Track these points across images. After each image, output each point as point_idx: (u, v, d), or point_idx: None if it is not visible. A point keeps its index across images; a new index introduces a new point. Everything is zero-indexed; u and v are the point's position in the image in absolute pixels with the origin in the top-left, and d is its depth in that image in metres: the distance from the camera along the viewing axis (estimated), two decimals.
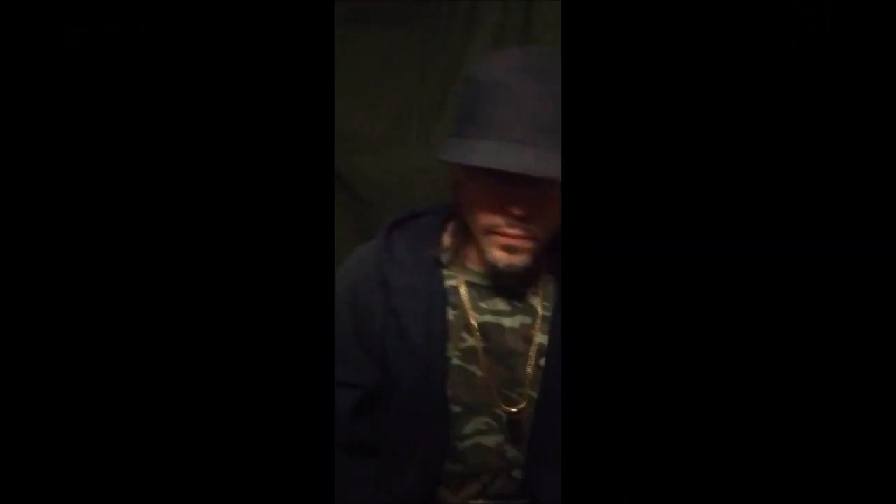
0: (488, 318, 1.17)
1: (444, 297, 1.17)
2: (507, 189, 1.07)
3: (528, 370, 1.15)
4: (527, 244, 1.11)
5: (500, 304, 1.17)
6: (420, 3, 2.04)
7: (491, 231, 1.11)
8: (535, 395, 1.15)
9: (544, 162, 1.03)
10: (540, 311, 1.17)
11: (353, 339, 1.17)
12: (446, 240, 1.19)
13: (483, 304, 1.17)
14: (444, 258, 1.18)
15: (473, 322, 1.16)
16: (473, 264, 1.17)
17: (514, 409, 1.15)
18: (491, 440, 1.16)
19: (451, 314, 1.16)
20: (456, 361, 1.16)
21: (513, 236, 1.10)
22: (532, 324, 1.16)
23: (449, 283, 1.18)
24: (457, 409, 1.16)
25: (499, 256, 1.11)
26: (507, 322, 1.17)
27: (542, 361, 1.16)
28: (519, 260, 1.11)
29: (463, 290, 1.17)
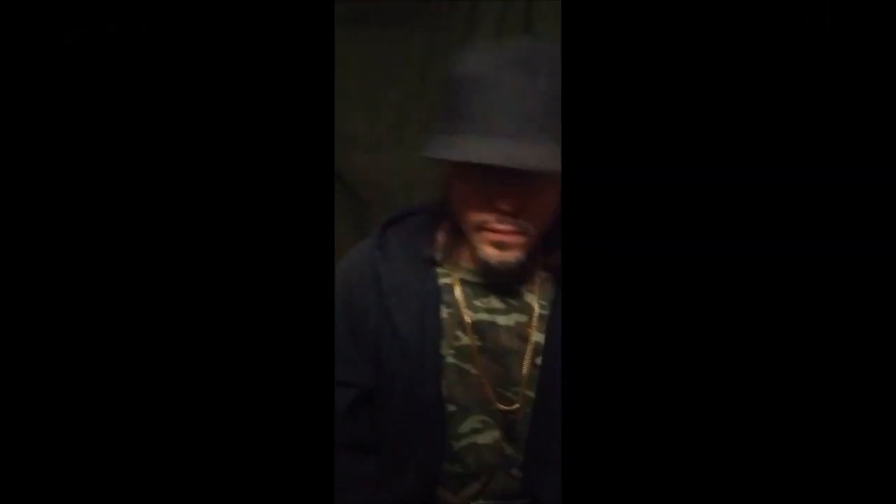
0: (483, 316, 1.16)
1: (438, 296, 1.16)
2: (494, 184, 1.06)
3: (525, 369, 1.14)
4: (518, 239, 1.09)
5: (495, 302, 1.16)
6: (420, 3, 2.04)
7: (481, 228, 1.10)
8: (531, 394, 1.14)
9: (530, 154, 1.02)
10: (536, 309, 1.16)
11: (349, 338, 1.17)
12: (440, 238, 1.18)
13: (477, 302, 1.16)
14: (438, 256, 1.17)
15: (468, 320, 1.15)
16: (467, 262, 1.17)
17: (509, 408, 1.14)
18: (487, 439, 1.15)
19: (445, 312, 1.16)
20: (450, 360, 1.15)
21: (503, 232, 1.09)
22: (528, 322, 1.16)
23: (443, 281, 1.17)
24: (452, 408, 1.15)
25: (490, 253, 1.10)
26: (502, 320, 1.16)
27: (539, 360, 1.15)
28: (511, 256, 1.10)
29: (457, 289, 1.17)
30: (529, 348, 1.15)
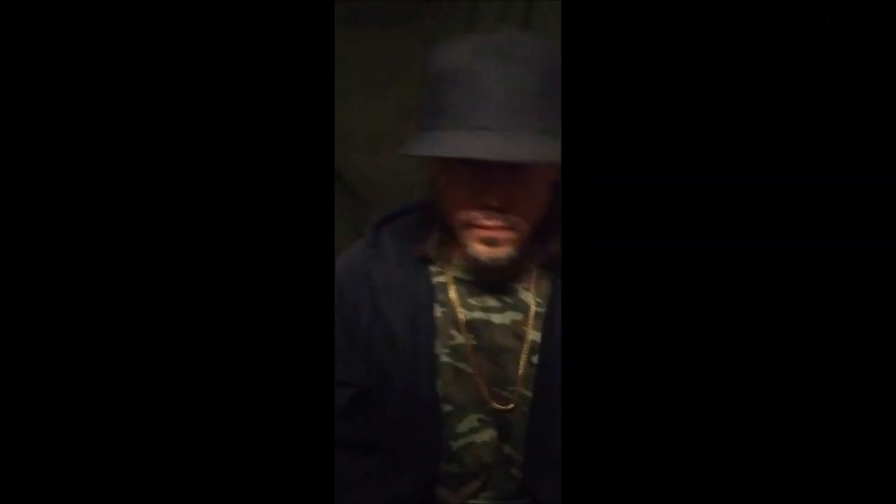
0: (478, 314, 1.15)
1: (432, 295, 1.15)
2: (479, 179, 1.04)
3: (521, 368, 1.13)
4: (508, 235, 1.07)
5: (490, 301, 1.15)
6: (420, 3, 2.04)
7: (470, 225, 1.08)
8: (528, 393, 1.13)
9: (514, 147, 1.00)
10: (532, 306, 1.14)
11: (343, 337, 1.16)
12: (434, 236, 1.16)
13: (472, 301, 1.15)
14: (432, 255, 1.16)
15: (462, 319, 1.14)
16: (461, 260, 1.15)
17: (505, 408, 1.13)
18: (485, 438, 1.14)
19: (438, 311, 1.15)
20: (445, 359, 1.14)
21: (492, 228, 1.06)
22: (524, 320, 1.14)
23: (437, 279, 1.16)
24: (448, 407, 1.14)
25: (480, 250, 1.08)
26: (497, 318, 1.15)
27: (536, 359, 1.13)
28: (502, 252, 1.08)
29: (451, 287, 1.15)
30: (525, 347, 1.14)
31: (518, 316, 1.14)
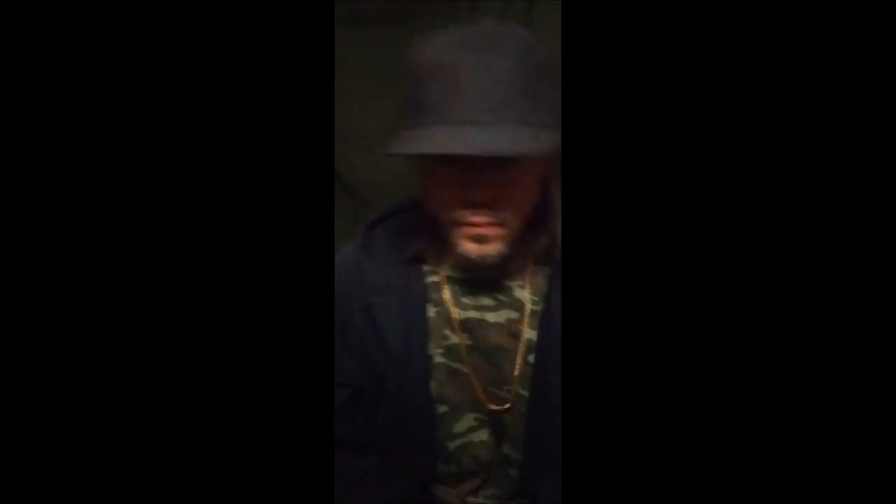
0: (472, 313, 1.13)
1: (425, 295, 1.13)
2: (465, 176, 1.02)
3: (517, 367, 1.11)
4: (498, 231, 1.05)
5: (485, 299, 1.13)
6: (420, 3, 2.04)
7: (458, 223, 1.05)
8: (525, 392, 1.12)
9: (498, 141, 0.97)
10: (528, 305, 1.12)
11: (337, 338, 1.15)
12: (426, 235, 1.13)
13: (466, 300, 1.13)
14: (424, 254, 1.13)
15: (456, 318, 1.12)
16: (453, 259, 1.12)
17: (500, 408, 1.12)
18: (483, 438, 1.13)
19: (432, 311, 1.13)
20: (439, 360, 1.12)
21: (480, 225, 1.04)
22: (519, 318, 1.12)
23: (430, 279, 1.14)
24: (444, 408, 1.12)
25: (470, 248, 1.05)
26: (492, 317, 1.12)
27: (532, 358, 1.11)
28: (492, 249, 1.05)
29: (445, 286, 1.13)
30: (521, 346, 1.12)
31: (513, 314, 1.13)
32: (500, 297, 1.13)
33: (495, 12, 2.02)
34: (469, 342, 1.12)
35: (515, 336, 1.12)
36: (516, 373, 1.11)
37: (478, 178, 1.02)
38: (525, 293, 1.13)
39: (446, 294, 1.13)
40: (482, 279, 1.13)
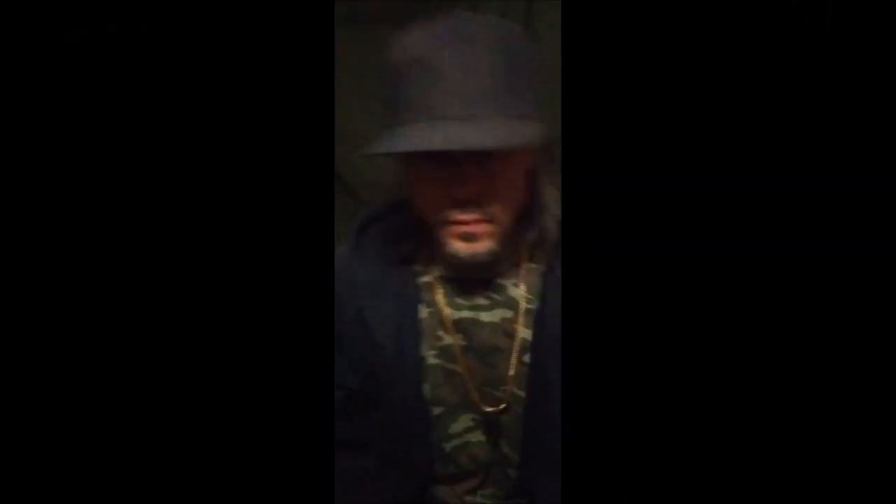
0: (465, 313, 1.11)
1: (417, 295, 1.11)
2: (449, 173, 0.99)
3: (512, 367, 1.09)
4: (487, 228, 1.02)
5: (478, 299, 1.11)
6: (420, 3, 2.04)
7: (445, 222, 1.02)
8: (521, 393, 1.10)
9: (479, 134, 0.95)
10: (522, 304, 1.10)
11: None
12: (416, 235, 1.11)
13: (459, 300, 1.11)
14: (416, 254, 1.12)
15: (449, 319, 1.10)
16: (443, 259, 1.10)
17: (495, 409, 1.10)
18: (480, 438, 1.12)
19: (424, 312, 1.11)
20: (433, 361, 1.10)
21: (468, 222, 1.01)
22: (513, 318, 1.10)
23: (422, 279, 1.12)
24: (439, 409, 1.11)
25: (459, 247, 1.03)
26: (486, 317, 1.10)
27: (527, 357, 1.09)
28: (482, 247, 1.03)
29: (437, 286, 1.11)
30: (516, 345, 1.10)
31: (508, 313, 1.11)
32: (494, 295, 1.11)
33: (495, 12, 2.02)
34: (463, 342, 1.11)
35: (510, 335, 1.10)
36: (511, 373, 1.10)
37: (462, 174, 1.00)
38: (519, 291, 1.11)
39: (439, 294, 1.12)
40: (475, 278, 1.11)
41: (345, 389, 1.14)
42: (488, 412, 1.10)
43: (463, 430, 1.12)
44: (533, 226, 1.09)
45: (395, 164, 1.08)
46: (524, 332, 1.10)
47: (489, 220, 1.03)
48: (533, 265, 1.12)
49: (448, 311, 1.11)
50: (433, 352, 1.11)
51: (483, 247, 1.03)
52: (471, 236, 1.03)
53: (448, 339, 1.11)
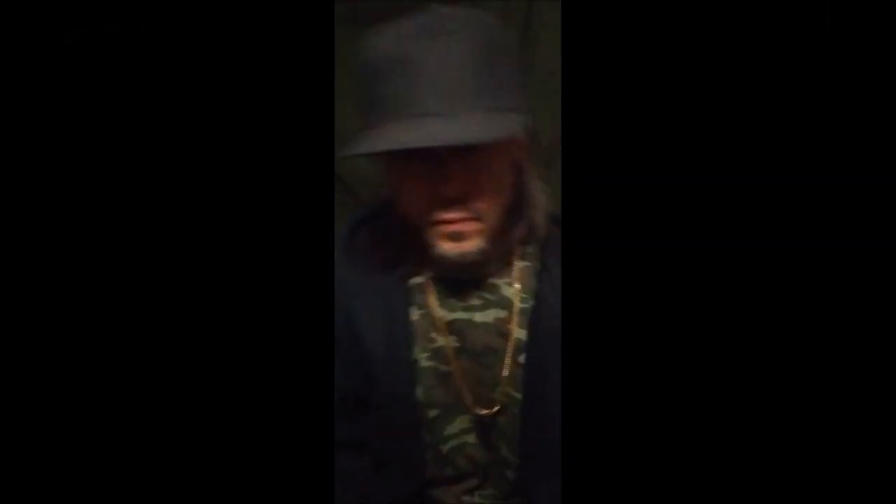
0: (458, 314, 1.09)
1: (407, 298, 1.09)
2: (433, 171, 0.97)
3: (506, 368, 1.08)
4: (475, 226, 1.00)
5: (471, 299, 1.09)
6: (420, 4, 2.03)
7: (432, 222, 1.00)
8: (517, 394, 1.08)
9: (460, 130, 0.93)
10: (517, 303, 1.08)
11: None
12: (405, 237, 1.08)
13: (452, 301, 1.09)
14: (405, 256, 1.09)
15: (442, 320, 1.08)
16: (432, 260, 1.06)
17: (487, 412, 1.08)
18: (476, 441, 1.11)
19: (416, 314, 1.09)
20: (426, 363, 1.09)
21: (455, 221, 0.99)
22: (507, 317, 1.08)
23: (413, 281, 1.10)
24: (434, 411, 1.09)
25: (447, 248, 1.00)
26: (479, 317, 1.08)
27: (522, 358, 1.08)
28: (471, 246, 1.01)
29: (429, 288, 1.09)
30: (510, 346, 1.08)
31: (502, 313, 1.09)
32: (487, 295, 1.10)
33: (495, 12, 2.01)
34: (457, 344, 1.09)
35: (504, 336, 1.09)
36: (505, 373, 1.08)
37: (446, 172, 0.97)
38: (513, 290, 1.09)
39: (431, 296, 1.10)
40: (467, 278, 1.09)
41: (339, 391, 1.13)
42: (482, 415, 1.09)
43: (459, 432, 1.11)
44: (521, 221, 1.07)
45: (378, 166, 1.06)
46: (518, 333, 1.09)
47: (476, 218, 1.00)
48: (527, 263, 1.10)
49: (440, 313, 1.09)
50: (426, 354, 1.09)
51: (472, 246, 1.01)
52: (458, 235, 1.01)
53: (441, 341, 1.09)
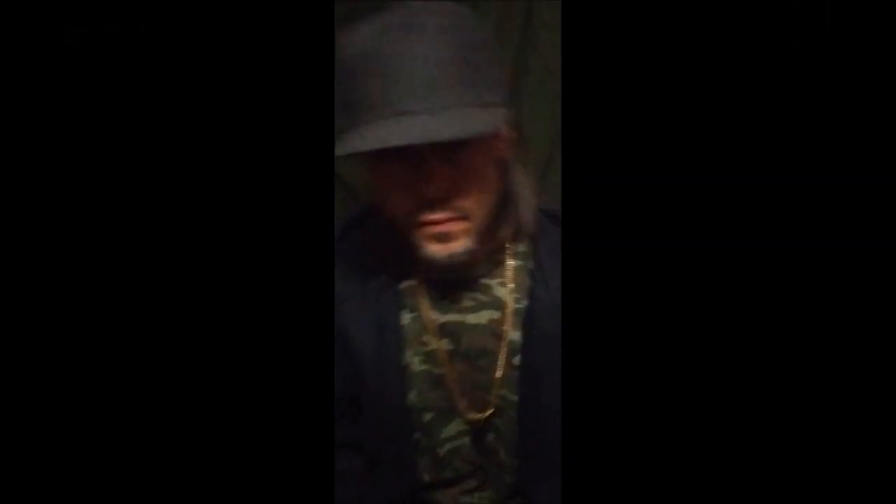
0: (451, 316, 1.07)
1: (397, 301, 1.07)
2: (415, 170, 0.95)
3: (500, 369, 1.05)
4: (462, 226, 0.98)
5: (463, 300, 1.07)
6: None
7: (418, 224, 0.98)
8: (513, 396, 1.07)
9: (440, 126, 0.91)
10: (510, 303, 1.06)
11: None
12: (392, 240, 1.05)
13: (444, 303, 1.07)
14: (393, 259, 1.07)
15: (434, 323, 1.06)
16: (421, 262, 1.04)
17: (479, 417, 1.06)
18: (473, 443, 1.09)
19: (407, 317, 1.07)
20: (419, 367, 1.07)
21: (441, 222, 0.97)
22: (501, 318, 1.06)
23: (404, 284, 1.08)
24: (429, 415, 1.07)
25: (435, 249, 0.98)
26: (472, 319, 1.06)
27: (517, 359, 1.06)
28: (458, 246, 0.98)
29: (420, 290, 1.07)
30: (505, 347, 1.06)
31: (495, 314, 1.07)
32: (480, 296, 1.07)
33: (495, 13, 2.01)
34: (450, 347, 1.07)
35: (499, 337, 1.06)
36: (499, 374, 1.06)
37: (428, 171, 0.95)
38: (506, 290, 1.07)
39: (422, 298, 1.07)
40: (459, 279, 1.07)
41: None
42: (475, 419, 1.07)
43: (456, 434, 1.09)
44: (508, 218, 1.05)
45: (360, 167, 1.04)
46: (513, 334, 1.07)
47: (463, 218, 0.98)
48: (519, 262, 1.08)
49: (432, 316, 1.07)
50: (418, 358, 1.07)
51: (460, 246, 0.99)
52: (445, 236, 0.98)
53: (434, 344, 1.07)
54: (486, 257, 1.06)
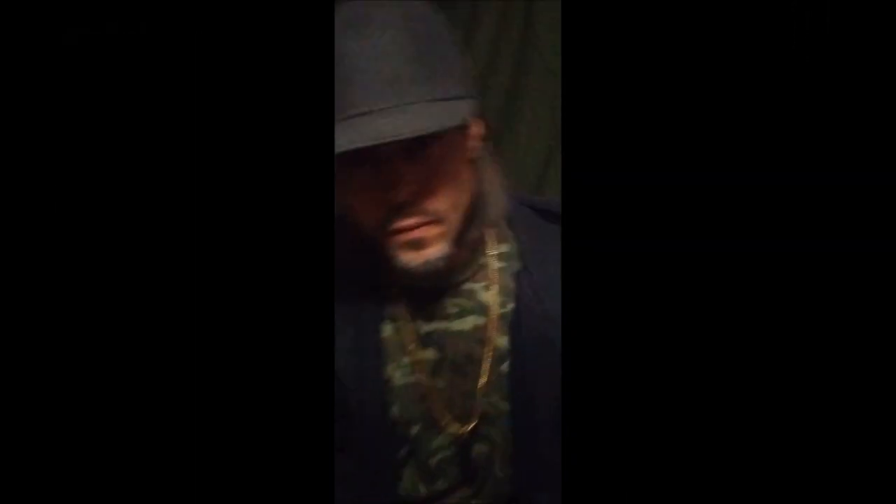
0: (434, 325, 1.02)
1: (377, 313, 1.02)
2: (381, 175, 0.91)
3: (486, 376, 1.00)
4: (435, 230, 0.93)
5: (448, 307, 1.02)
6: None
7: (389, 232, 0.93)
8: (503, 403, 1.02)
9: (398, 124, 0.86)
10: (496, 308, 1.02)
11: None
12: (365, 251, 1.01)
13: (428, 311, 1.02)
14: (373, 268, 1.02)
15: (415, 333, 1.02)
16: (396, 271, 0.99)
17: (462, 430, 1.01)
18: (465, 451, 1.05)
19: (388, 330, 1.02)
20: (402, 380, 1.02)
21: (413, 228, 0.92)
22: (486, 324, 1.02)
23: (383, 294, 1.03)
24: (416, 427, 1.02)
25: (409, 258, 0.93)
26: (457, 326, 1.02)
27: (505, 366, 1.01)
28: (434, 252, 0.94)
29: (401, 300, 1.02)
30: (490, 353, 1.01)
31: (480, 320, 1.02)
32: (464, 302, 1.03)
33: (495, 13, 2.02)
34: (434, 356, 1.02)
35: (485, 343, 1.02)
36: (483, 381, 1.01)
37: (395, 174, 0.91)
38: (490, 294, 1.02)
39: (403, 308, 1.02)
40: (439, 286, 1.02)
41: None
42: (458, 435, 1.02)
43: (447, 444, 1.05)
44: (478, 218, 1.01)
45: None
46: (500, 340, 1.02)
47: (436, 221, 0.94)
48: (503, 264, 1.04)
49: (415, 325, 1.02)
50: (400, 371, 1.03)
51: (435, 252, 0.94)
52: (419, 243, 0.94)
53: (418, 355, 1.02)
54: (466, 261, 1.02)
